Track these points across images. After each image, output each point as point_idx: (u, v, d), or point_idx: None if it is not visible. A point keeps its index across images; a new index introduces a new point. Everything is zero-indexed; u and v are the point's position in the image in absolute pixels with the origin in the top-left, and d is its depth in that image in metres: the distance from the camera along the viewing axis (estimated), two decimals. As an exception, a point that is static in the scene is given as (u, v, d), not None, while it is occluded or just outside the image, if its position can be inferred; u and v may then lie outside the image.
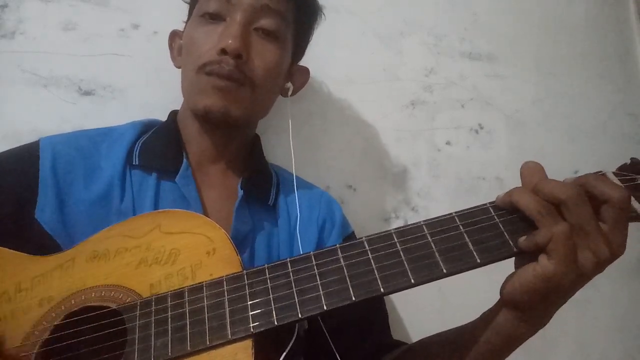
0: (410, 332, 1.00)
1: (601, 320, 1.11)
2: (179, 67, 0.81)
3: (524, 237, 0.52)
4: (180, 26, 0.84)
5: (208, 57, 0.72)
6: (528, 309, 0.53)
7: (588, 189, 0.51)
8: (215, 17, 0.74)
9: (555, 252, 0.49)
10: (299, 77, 0.89)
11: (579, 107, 1.23)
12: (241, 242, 0.71)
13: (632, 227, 0.53)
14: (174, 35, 0.86)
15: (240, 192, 0.75)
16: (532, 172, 0.54)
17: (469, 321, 0.62)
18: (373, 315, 0.81)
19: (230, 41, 0.70)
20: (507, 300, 0.54)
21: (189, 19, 0.81)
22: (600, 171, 0.56)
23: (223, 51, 0.70)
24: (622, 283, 1.14)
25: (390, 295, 0.97)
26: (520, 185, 0.55)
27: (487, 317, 0.58)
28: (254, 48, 0.73)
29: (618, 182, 0.54)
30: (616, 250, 0.51)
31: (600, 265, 0.50)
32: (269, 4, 0.74)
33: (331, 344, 0.67)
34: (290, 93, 0.87)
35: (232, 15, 0.73)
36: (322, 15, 0.88)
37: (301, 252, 0.75)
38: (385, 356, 0.75)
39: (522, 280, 0.52)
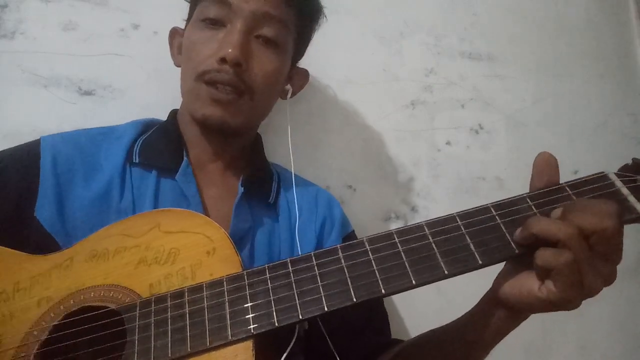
0: (410, 333, 0.99)
1: (601, 320, 1.11)
2: (178, 66, 0.81)
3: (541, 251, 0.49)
4: (180, 26, 0.84)
5: (207, 65, 0.71)
6: (523, 312, 0.54)
7: (580, 226, 0.48)
8: (215, 23, 0.73)
9: (558, 283, 0.48)
10: (298, 79, 0.89)
11: (579, 107, 1.23)
12: (240, 239, 0.71)
13: (633, 227, 0.53)
14: (175, 33, 0.85)
15: (241, 190, 0.75)
16: (545, 165, 0.55)
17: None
18: (372, 315, 0.81)
19: (230, 50, 0.69)
20: (504, 301, 0.54)
21: (189, 18, 0.80)
22: (602, 172, 0.55)
23: (223, 60, 0.70)
24: (622, 283, 1.13)
25: (391, 296, 0.97)
26: (519, 182, 0.54)
27: (480, 314, 0.59)
28: (254, 56, 0.73)
29: (620, 184, 0.53)
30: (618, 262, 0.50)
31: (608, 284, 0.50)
32: (270, 12, 0.73)
33: (330, 345, 0.67)
34: (289, 96, 0.87)
35: (233, 22, 0.72)
36: (324, 18, 0.87)
37: (300, 251, 0.75)
38: (383, 355, 0.75)
39: (523, 293, 0.51)
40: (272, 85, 0.77)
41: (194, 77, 0.73)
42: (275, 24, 0.74)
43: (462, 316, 0.62)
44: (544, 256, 0.48)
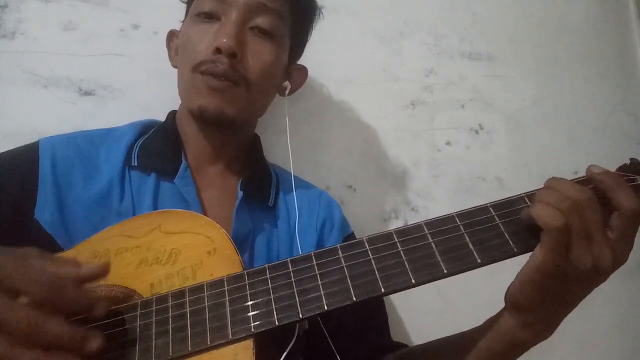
0: (410, 334, 1.00)
1: (601, 320, 1.11)
2: (176, 67, 0.81)
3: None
4: (178, 28, 0.84)
5: (203, 56, 0.72)
6: (529, 310, 0.53)
7: (606, 191, 0.51)
8: (210, 17, 0.74)
9: (546, 242, 0.49)
10: (296, 76, 0.89)
11: (579, 107, 1.23)
12: (241, 243, 0.71)
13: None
14: (172, 35, 0.86)
15: (240, 193, 0.75)
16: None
17: (468, 322, 0.62)
18: (373, 316, 0.81)
19: (224, 40, 0.70)
20: (508, 301, 0.55)
21: (185, 17, 0.81)
22: None
23: (217, 50, 0.70)
24: (622, 283, 1.14)
25: (390, 297, 0.97)
26: (519, 182, 0.55)
27: (491, 322, 0.58)
28: (249, 47, 0.73)
29: None
30: (618, 260, 0.50)
31: (599, 272, 0.50)
32: (264, 3, 0.74)
33: (331, 344, 0.67)
34: (287, 92, 0.87)
35: (227, 14, 0.73)
36: (320, 15, 0.87)
37: (300, 252, 0.75)
38: (385, 357, 0.75)
39: (519, 276, 0.53)
40: (268, 77, 0.77)
41: (190, 69, 0.73)
42: (269, 15, 0.75)
43: (477, 326, 0.61)
44: (538, 209, 0.50)
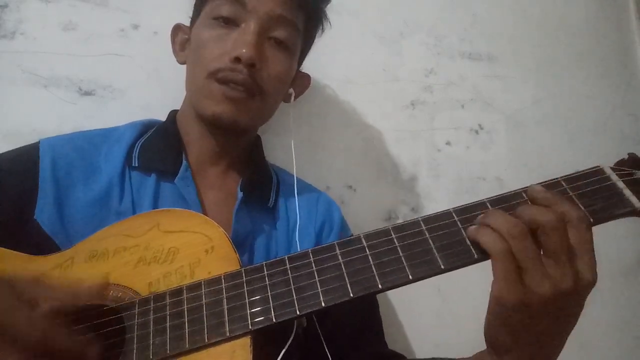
0: (409, 334, 0.99)
1: (601, 320, 1.11)
2: (181, 63, 0.81)
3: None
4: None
5: (220, 63, 0.71)
6: (506, 351, 0.52)
7: (550, 207, 0.50)
8: (228, 22, 0.73)
9: (495, 269, 0.49)
10: (300, 83, 0.89)
11: (579, 107, 1.23)
12: (240, 244, 0.71)
13: (632, 227, 0.53)
14: (177, 29, 0.84)
15: (240, 194, 0.75)
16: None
17: (468, 323, 0.62)
18: (368, 321, 0.81)
19: (244, 50, 0.69)
20: (487, 341, 0.54)
21: (196, 15, 0.79)
22: (598, 166, 0.55)
23: (237, 59, 0.70)
24: (622, 283, 1.13)
25: (388, 296, 0.97)
26: (519, 182, 0.54)
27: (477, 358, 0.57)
28: (266, 57, 0.73)
29: (615, 177, 0.53)
30: (583, 278, 0.48)
31: (565, 296, 0.47)
32: (284, 14, 0.73)
33: (326, 350, 0.67)
34: (292, 99, 0.87)
35: (247, 22, 0.72)
36: (328, 24, 0.87)
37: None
38: None
39: (487, 311, 0.51)
40: (281, 88, 0.78)
41: (204, 75, 0.72)
42: (287, 27, 0.75)
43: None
44: (484, 235, 0.49)
